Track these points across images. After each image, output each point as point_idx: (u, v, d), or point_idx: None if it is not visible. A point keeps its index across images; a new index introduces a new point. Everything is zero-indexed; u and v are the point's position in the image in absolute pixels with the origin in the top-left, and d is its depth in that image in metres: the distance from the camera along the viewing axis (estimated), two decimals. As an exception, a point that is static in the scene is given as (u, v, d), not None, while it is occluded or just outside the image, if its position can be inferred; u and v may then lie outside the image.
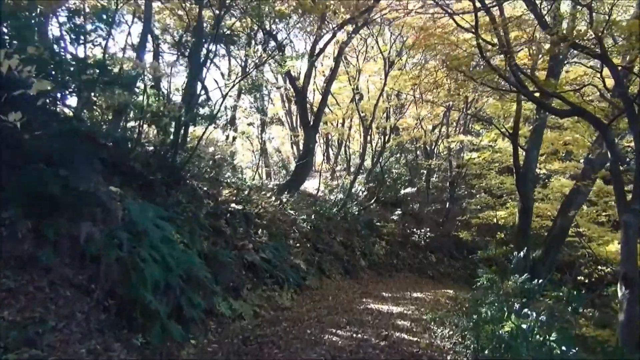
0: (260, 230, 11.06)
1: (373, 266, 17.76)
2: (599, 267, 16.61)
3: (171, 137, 8.71)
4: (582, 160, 17.72)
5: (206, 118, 10.01)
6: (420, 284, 18.02)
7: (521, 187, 13.00)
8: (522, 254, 10.69)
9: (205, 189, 10.43)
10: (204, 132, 9.99)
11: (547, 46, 10.25)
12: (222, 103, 11.99)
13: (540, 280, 10.57)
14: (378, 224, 19.89)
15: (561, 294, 11.61)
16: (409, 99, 21.18)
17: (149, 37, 11.47)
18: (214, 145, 11.46)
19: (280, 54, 14.68)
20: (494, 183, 18.21)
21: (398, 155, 25.41)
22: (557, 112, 8.40)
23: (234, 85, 14.96)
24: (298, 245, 12.96)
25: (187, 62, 17.38)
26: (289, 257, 12.09)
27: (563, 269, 17.92)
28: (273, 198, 13.08)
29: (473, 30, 8.70)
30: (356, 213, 18.57)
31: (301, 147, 25.63)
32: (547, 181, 17.04)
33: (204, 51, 12.07)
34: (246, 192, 11.78)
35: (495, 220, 17.90)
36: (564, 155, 18.35)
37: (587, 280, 17.08)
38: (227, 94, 12.67)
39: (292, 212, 13.81)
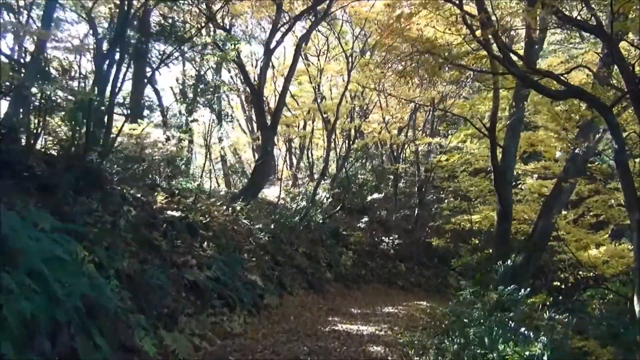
0: (207, 242, 9.25)
1: (340, 278, 16.09)
2: (579, 272, 15.42)
3: (84, 130, 6.84)
4: (556, 160, 16.53)
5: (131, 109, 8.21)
6: (390, 295, 16.46)
7: (500, 188, 11.54)
8: (508, 262, 9.19)
9: (139, 195, 8.58)
10: (122, 126, 8.07)
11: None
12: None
13: (526, 290, 9.11)
14: (344, 232, 18.26)
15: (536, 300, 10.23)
16: (373, 99, 19.73)
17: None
18: (153, 146, 9.64)
19: (227, 35, 12.94)
20: (466, 185, 16.76)
21: (364, 160, 23.90)
22: (552, 94, 6.97)
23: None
24: (254, 258, 11.19)
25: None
26: (243, 273, 10.29)
27: (536, 274, 16.70)
28: (224, 206, 11.24)
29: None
30: (321, 221, 16.90)
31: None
32: (520, 182, 15.65)
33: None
34: (191, 200, 9.93)
35: (468, 225, 16.46)
36: (527, 156, 17.14)
37: (563, 286, 15.87)
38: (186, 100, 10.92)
39: (247, 221, 12.03)
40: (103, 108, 7.17)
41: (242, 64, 14.18)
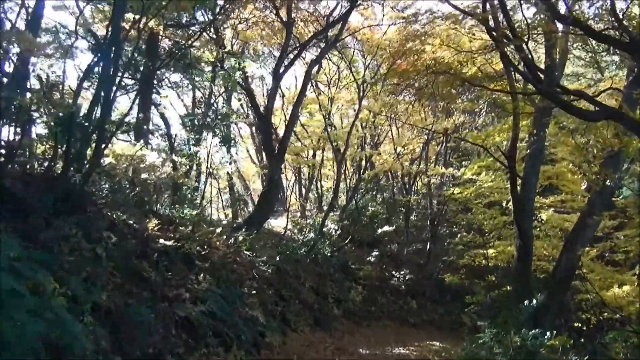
0: (204, 275, 8.46)
1: (348, 314, 15.14)
2: (603, 313, 14.39)
3: (64, 147, 6.18)
4: (573, 193, 15.65)
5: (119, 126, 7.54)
6: (401, 334, 15.45)
7: (520, 221, 10.69)
8: (534, 302, 8.29)
9: (130, 221, 7.86)
10: (105, 145, 7.24)
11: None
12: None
13: (553, 333, 8.18)
14: (353, 266, 17.36)
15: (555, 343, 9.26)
16: (385, 129, 19.10)
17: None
18: (150, 170, 8.97)
19: (235, 58, 12.44)
20: (480, 218, 15.82)
21: (374, 192, 23.12)
22: (587, 115, 6.22)
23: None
24: (256, 292, 10.36)
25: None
26: (243, 309, 9.46)
27: (555, 313, 15.65)
28: (225, 236, 10.47)
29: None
30: (329, 254, 16.03)
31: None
32: (538, 216, 14.72)
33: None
34: (189, 228, 9.18)
35: (484, 261, 15.50)
36: (542, 189, 16.31)
37: (584, 327, 14.79)
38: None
39: (250, 253, 11.24)
40: (87, 124, 6.50)
41: (250, 89, 13.65)
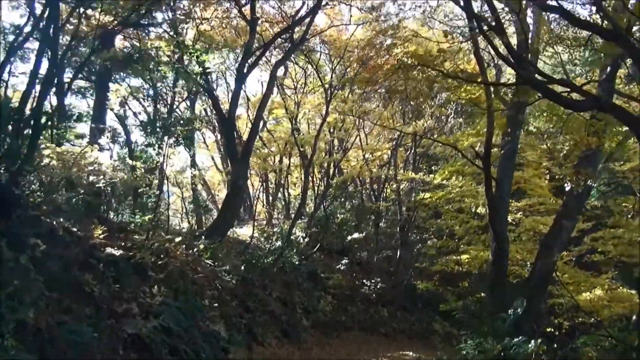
0: (158, 287, 7.60)
1: (318, 325, 14.38)
2: (576, 317, 14.02)
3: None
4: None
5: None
6: (372, 343, 14.78)
7: (495, 224, 10.17)
8: (517, 309, 7.72)
9: (74, 229, 6.98)
10: (37, 138, 6.28)
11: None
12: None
13: (537, 342, 7.63)
14: (322, 275, 16.62)
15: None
16: (353, 134, 18.52)
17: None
18: (99, 173, 8.05)
19: (194, 51, 11.62)
20: (451, 223, 15.28)
21: (342, 199, 22.45)
22: (573, 105, 5.69)
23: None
24: (218, 305, 9.53)
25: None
26: (204, 322, 8.63)
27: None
28: (184, 245, 9.62)
29: None
30: (297, 263, 15.27)
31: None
32: (512, 220, 14.29)
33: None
34: (143, 237, 8.31)
35: (456, 266, 14.96)
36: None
37: (556, 332, 14.39)
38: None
39: (211, 262, 10.40)
40: (17, 118, 5.64)
41: (212, 92, 12.85)
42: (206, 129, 23.98)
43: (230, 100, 12.59)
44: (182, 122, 16.52)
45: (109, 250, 7.00)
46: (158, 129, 14.09)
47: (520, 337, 7.35)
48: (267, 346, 11.16)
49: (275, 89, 19.47)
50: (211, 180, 27.38)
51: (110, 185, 8.69)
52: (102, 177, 8.02)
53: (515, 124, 10.00)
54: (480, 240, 16.03)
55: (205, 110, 20.41)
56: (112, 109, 16.70)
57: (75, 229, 7.04)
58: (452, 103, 20.53)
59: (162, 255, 8.18)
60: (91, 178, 7.93)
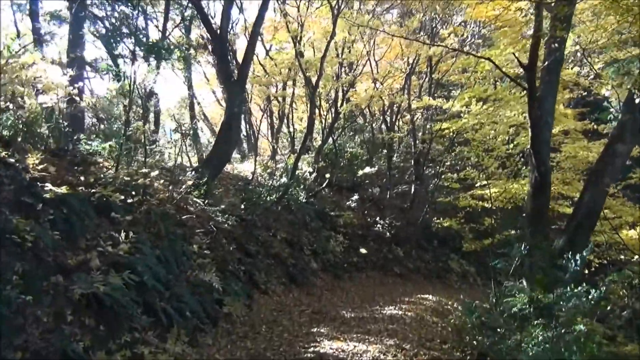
0: (126, 232, 5.94)
1: (328, 267, 12.95)
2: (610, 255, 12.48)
3: None
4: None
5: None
6: (386, 285, 13.45)
7: (538, 149, 8.36)
8: (577, 257, 6.02)
9: (12, 160, 5.26)
10: None
11: None
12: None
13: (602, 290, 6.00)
14: (332, 213, 15.03)
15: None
16: (363, 57, 16.41)
17: None
18: (49, 89, 6.27)
19: None
20: (478, 152, 13.25)
21: (352, 133, 20.56)
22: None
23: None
24: (210, 250, 7.94)
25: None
26: (192, 272, 7.06)
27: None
28: (167, 181, 7.89)
29: None
30: (304, 200, 13.66)
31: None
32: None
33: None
34: (111, 170, 6.61)
35: (479, 203, 13.25)
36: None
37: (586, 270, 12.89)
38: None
39: (202, 201, 8.74)
40: None
41: (199, 4, 10.77)
42: (206, 62, 21.97)
43: (222, 11, 10.52)
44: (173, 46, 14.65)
45: (50, 187, 5.27)
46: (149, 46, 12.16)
47: (582, 286, 5.70)
48: (272, 294, 9.70)
49: (275, 9, 17.26)
50: (213, 117, 25.52)
51: (71, 106, 6.94)
52: (53, 94, 6.25)
53: (564, 21, 7.93)
54: (505, 173, 14.36)
55: (202, 37, 18.22)
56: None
57: (12, 160, 5.32)
58: (471, 23, 18.39)
59: (134, 193, 6.47)
60: (41, 98, 6.19)
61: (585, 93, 13.88)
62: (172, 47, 14.44)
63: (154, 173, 7.26)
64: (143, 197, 6.77)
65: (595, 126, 12.77)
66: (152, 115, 19.11)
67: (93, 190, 5.93)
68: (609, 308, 8.04)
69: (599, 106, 17.76)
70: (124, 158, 7.14)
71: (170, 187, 7.89)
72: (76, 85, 7.07)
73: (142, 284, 5.67)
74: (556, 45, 8.38)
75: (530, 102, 8.01)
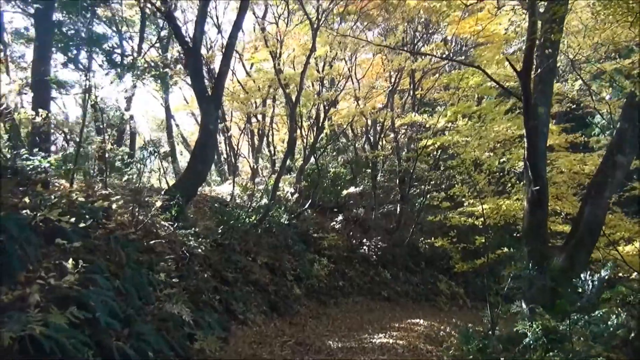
0: (85, 261, 5.08)
1: (312, 293, 12.15)
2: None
3: None
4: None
5: None
6: (375, 311, 12.62)
7: (535, 162, 7.72)
8: (595, 277, 5.32)
9: None
10: None
11: None
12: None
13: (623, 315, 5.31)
14: (315, 235, 14.24)
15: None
16: (344, 74, 15.84)
17: None
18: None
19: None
20: (470, 167, 12.57)
21: (334, 152, 19.85)
22: None
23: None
24: (180, 278, 7.09)
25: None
26: (157, 305, 6.20)
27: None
28: (134, 203, 7.03)
29: None
30: (285, 222, 12.86)
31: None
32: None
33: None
34: (60, 191, 5.75)
35: (467, 220, 12.56)
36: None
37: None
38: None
39: (172, 224, 7.90)
40: None
41: (171, 16, 10.05)
42: (186, 84, 21.21)
43: (195, 23, 9.79)
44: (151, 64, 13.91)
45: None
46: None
47: (601, 310, 4.98)
48: (251, 325, 8.81)
49: (254, 27, 16.64)
50: (192, 140, 24.69)
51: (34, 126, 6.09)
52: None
53: (554, 23, 7.37)
54: (493, 190, 13.74)
55: (179, 54, 17.51)
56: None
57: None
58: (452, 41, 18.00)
59: (88, 216, 5.62)
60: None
61: (575, 106, 13.39)
62: (145, 65, 13.67)
63: (110, 193, 6.38)
64: (101, 221, 5.93)
65: (585, 139, 12.27)
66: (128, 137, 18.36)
67: (38, 214, 5.08)
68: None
69: (583, 121, 17.39)
70: (81, 177, 6.30)
71: (137, 210, 7.04)
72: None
73: (94, 321, 4.81)
74: (549, 51, 7.83)
75: (525, 111, 7.38)
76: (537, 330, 4.92)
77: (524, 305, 8.29)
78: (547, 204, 8.28)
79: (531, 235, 8.21)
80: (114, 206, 6.45)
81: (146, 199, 7.46)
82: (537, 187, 7.86)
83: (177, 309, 6.41)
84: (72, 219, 5.28)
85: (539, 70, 7.95)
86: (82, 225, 5.48)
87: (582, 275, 5.43)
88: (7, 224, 4.59)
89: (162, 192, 8.90)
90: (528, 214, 8.23)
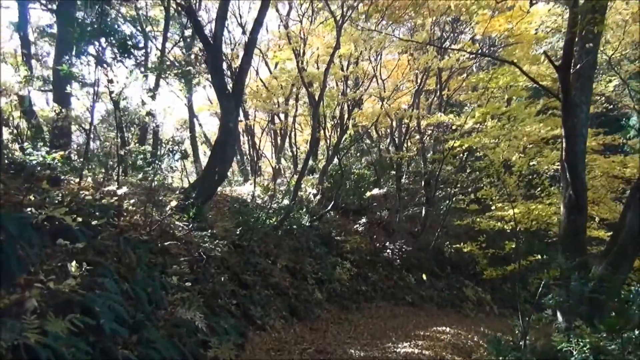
0: (91, 263, 4.76)
1: (334, 298, 11.68)
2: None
3: None
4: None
5: None
6: (399, 316, 12.09)
7: (574, 163, 7.14)
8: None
9: None
10: None
11: None
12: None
13: None
14: (338, 238, 13.79)
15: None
16: (368, 73, 15.37)
17: None
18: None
19: None
20: (500, 169, 11.91)
21: (358, 154, 19.38)
22: None
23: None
24: (194, 282, 6.73)
25: None
26: (168, 310, 5.84)
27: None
28: (147, 203, 6.68)
29: None
30: (307, 224, 12.44)
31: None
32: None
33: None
34: (69, 188, 5.45)
35: (497, 225, 11.96)
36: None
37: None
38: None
39: (188, 224, 7.55)
40: None
41: (192, 11, 9.75)
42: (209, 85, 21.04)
43: (216, 18, 9.46)
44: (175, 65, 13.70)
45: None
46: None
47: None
48: (270, 330, 8.40)
49: (279, 25, 16.30)
50: (214, 138, 24.50)
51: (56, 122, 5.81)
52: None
53: (595, 15, 6.79)
54: (522, 193, 13.10)
55: (202, 52, 17.28)
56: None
57: None
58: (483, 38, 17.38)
59: (97, 214, 5.29)
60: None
61: (611, 106, 12.68)
62: (168, 63, 13.45)
63: (122, 191, 6.04)
64: (112, 221, 5.60)
65: (623, 140, 11.56)
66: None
67: (43, 212, 4.76)
68: None
69: (618, 123, 16.61)
70: (92, 174, 6.00)
71: (152, 209, 6.71)
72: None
73: (99, 328, 4.46)
74: (590, 45, 7.24)
75: (564, 108, 6.82)
76: (585, 348, 4.39)
77: (560, 317, 7.74)
78: (586, 209, 7.70)
79: (568, 241, 7.64)
80: (125, 205, 6.13)
81: (161, 198, 7.14)
82: (576, 190, 7.29)
83: (190, 314, 6.04)
84: (80, 218, 4.94)
85: (578, 65, 7.38)
86: (91, 224, 5.15)
87: (632, 288, 4.84)
88: (7, 222, 4.27)
89: (181, 191, 8.56)
90: (565, 219, 7.65)
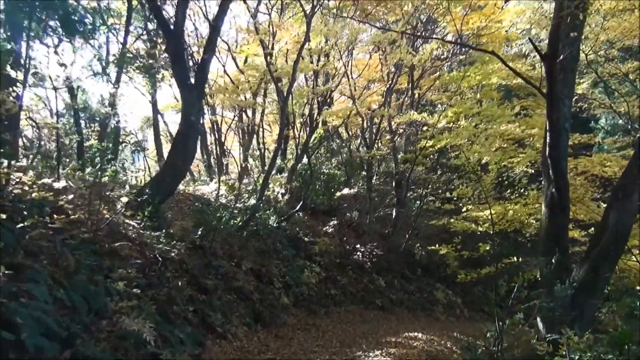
0: (8, 264, 4.01)
1: (301, 302, 11.08)
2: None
3: None
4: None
5: None
6: (369, 321, 11.55)
7: (558, 160, 6.71)
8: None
9: None
10: None
11: None
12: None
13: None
14: (307, 239, 13.18)
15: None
16: (339, 69, 14.85)
17: None
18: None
19: None
20: (475, 167, 11.53)
21: (328, 154, 18.81)
22: None
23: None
24: (144, 287, 6.00)
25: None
26: (111, 320, 5.12)
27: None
28: (95, 200, 5.93)
29: None
30: (274, 225, 11.78)
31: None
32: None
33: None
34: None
35: (472, 225, 11.54)
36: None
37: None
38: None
39: (138, 224, 6.82)
40: None
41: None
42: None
43: (177, 4, 8.74)
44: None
45: None
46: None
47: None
48: (232, 338, 7.72)
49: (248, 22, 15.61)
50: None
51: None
52: None
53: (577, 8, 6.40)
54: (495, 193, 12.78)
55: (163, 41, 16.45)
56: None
57: None
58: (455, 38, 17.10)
59: (25, 212, 4.55)
60: None
61: (585, 105, 12.47)
62: (130, 56, 12.62)
63: (59, 184, 5.28)
64: (47, 218, 4.86)
65: (599, 140, 11.34)
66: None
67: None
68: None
69: (586, 126, 16.52)
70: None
71: (100, 206, 5.96)
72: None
73: (19, 343, 3.73)
74: (575, 34, 6.84)
75: (549, 101, 6.37)
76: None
77: (540, 323, 7.32)
78: (568, 208, 7.29)
79: (549, 242, 7.21)
80: (63, 201, 5.37)
81: (109, 194, 6.39)
82: (559, 189, 6.87)
83: (138, 324, 5.33)
84: (3, 215, 4.19)
85: (562, 57, 6.96)
86: (19, 221, 4.40)
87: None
88: None
89: (128, 187, 7.81)
90: (547, 219, 7.23)
